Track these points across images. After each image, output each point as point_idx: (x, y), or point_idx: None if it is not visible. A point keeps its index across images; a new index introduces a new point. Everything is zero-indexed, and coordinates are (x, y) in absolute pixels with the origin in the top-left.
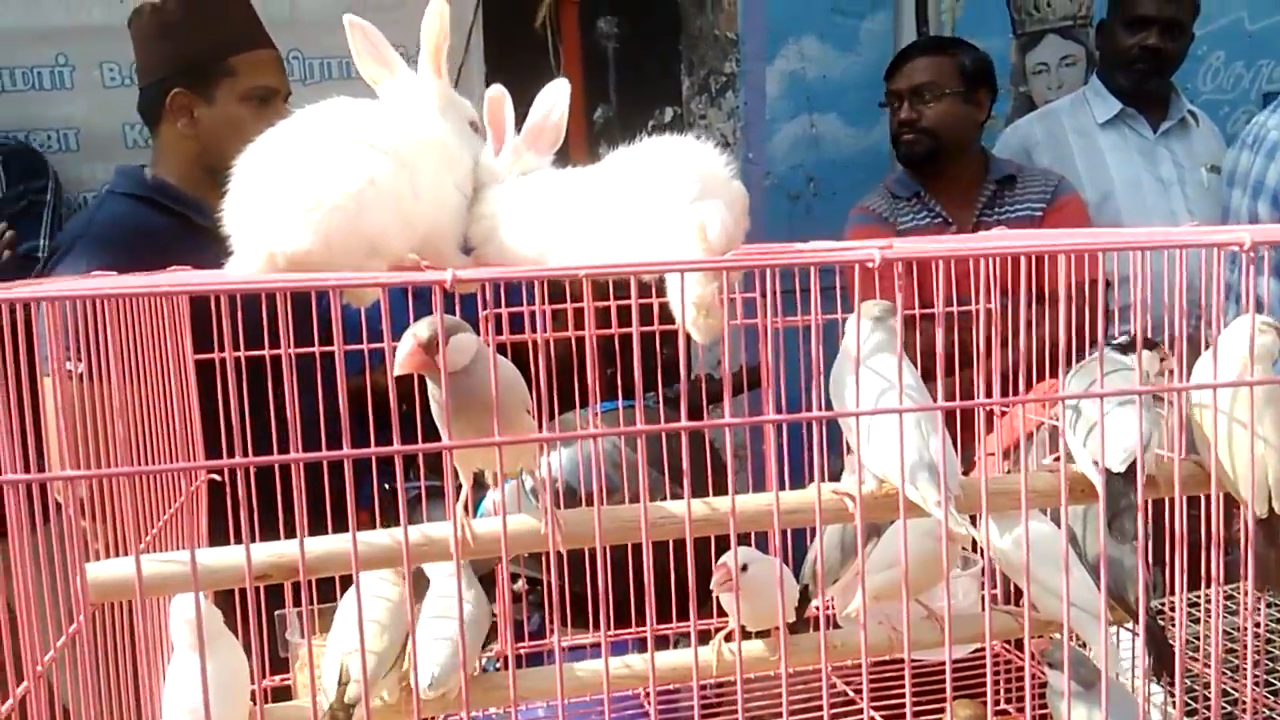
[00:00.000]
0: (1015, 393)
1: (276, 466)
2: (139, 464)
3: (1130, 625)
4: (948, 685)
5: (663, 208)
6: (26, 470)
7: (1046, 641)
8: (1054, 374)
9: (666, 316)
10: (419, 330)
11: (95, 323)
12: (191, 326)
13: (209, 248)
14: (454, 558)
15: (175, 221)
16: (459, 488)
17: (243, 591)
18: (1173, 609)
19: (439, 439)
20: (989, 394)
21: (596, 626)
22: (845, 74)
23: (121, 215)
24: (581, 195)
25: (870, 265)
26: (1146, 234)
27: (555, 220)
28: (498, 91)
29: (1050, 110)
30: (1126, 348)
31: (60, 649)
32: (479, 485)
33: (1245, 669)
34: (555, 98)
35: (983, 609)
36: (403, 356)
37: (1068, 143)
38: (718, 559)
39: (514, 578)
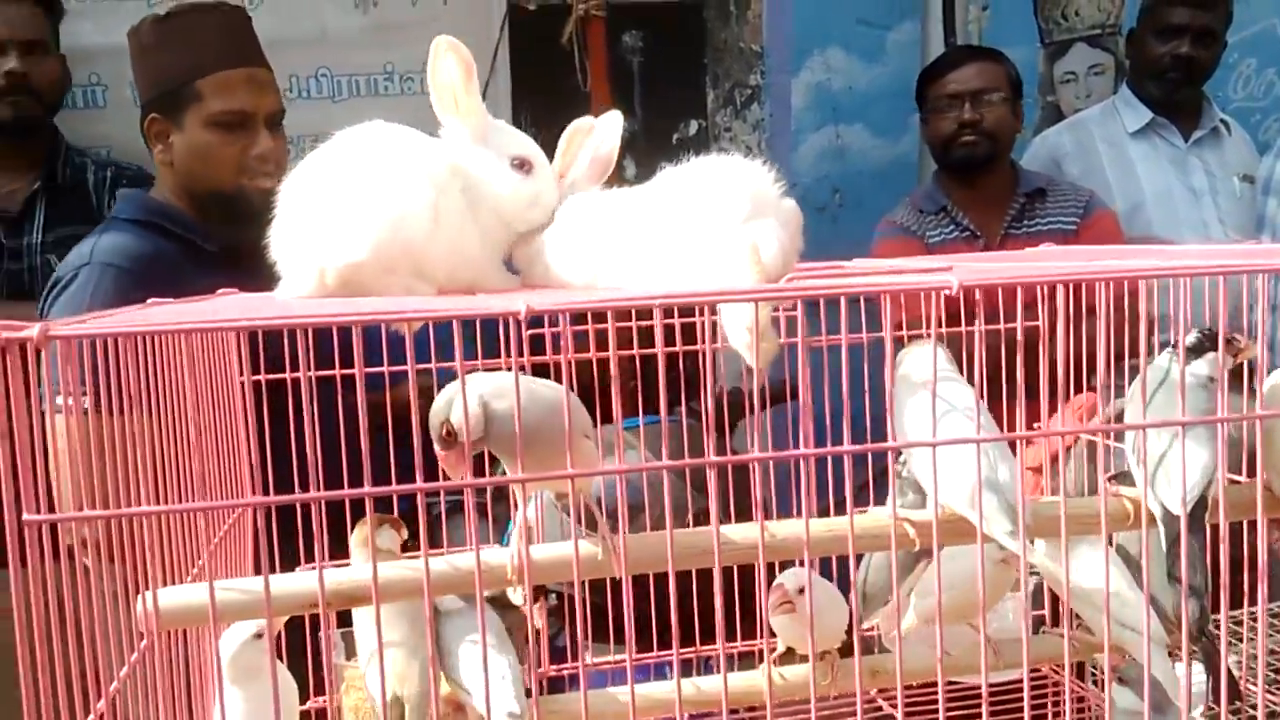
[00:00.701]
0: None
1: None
2: (181, 496)
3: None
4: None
5: (714, 230)
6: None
7: (1119, 658)
8: (1091, 387)
9: (688, 334)
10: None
11: (129, 355)
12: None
13: (215, 274)
14: (525, 583)
15: (179, 247)
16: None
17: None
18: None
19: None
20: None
21: (619, 641)
22: (871, 85)
23: (125, 243)
24: (630, 218)
25: (949, 293)
26: (1222, 251)
27: (604, 243)
28: (585, 124)
29: (1079, 120)
30: (1196, 351)
31: (124, 679)
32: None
33: None
34: (607, 130)
35: (1032, 633)
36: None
37: (1097, 152)
38: (748, 582)
39: (545, 591)
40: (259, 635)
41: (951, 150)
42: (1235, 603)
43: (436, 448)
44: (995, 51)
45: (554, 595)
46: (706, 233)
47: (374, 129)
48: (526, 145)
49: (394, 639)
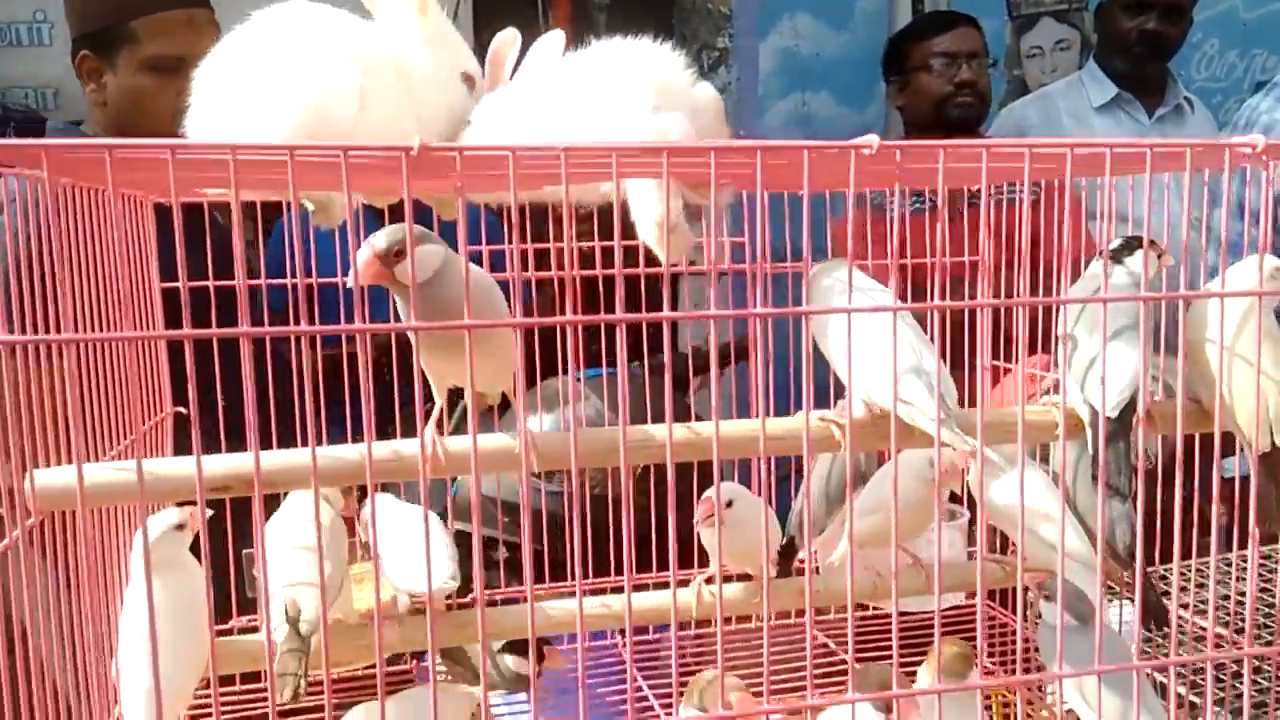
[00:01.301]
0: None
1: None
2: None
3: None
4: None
5: (617, 126)
6: None
7: (1044, 575)
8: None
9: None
10: (376, 240)
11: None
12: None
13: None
14: (421, 474)
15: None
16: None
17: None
18: (1161, 575)
19: (412, 391)
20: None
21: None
22: (839, 52)
23: None
24: (541, 116)
25: (868, 151)
26: (1154, 141)
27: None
28: (510, 35)
29: (1046, 93)
30: (1124, 250)
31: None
32: (453, 405)
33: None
34: (550, 49)
35: (970, 559)
36: (359, 266)
37: (1063, 125)
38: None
39: (492, 543)
40: (180, 526)
41: (946, 109)
42: (1166, 557)
43: (372, 250)
44: (973, 18)
45: (506, 547)
46: (610, 130)
47: (296, 7)
48: (474, 65)
49: (299, 565)
